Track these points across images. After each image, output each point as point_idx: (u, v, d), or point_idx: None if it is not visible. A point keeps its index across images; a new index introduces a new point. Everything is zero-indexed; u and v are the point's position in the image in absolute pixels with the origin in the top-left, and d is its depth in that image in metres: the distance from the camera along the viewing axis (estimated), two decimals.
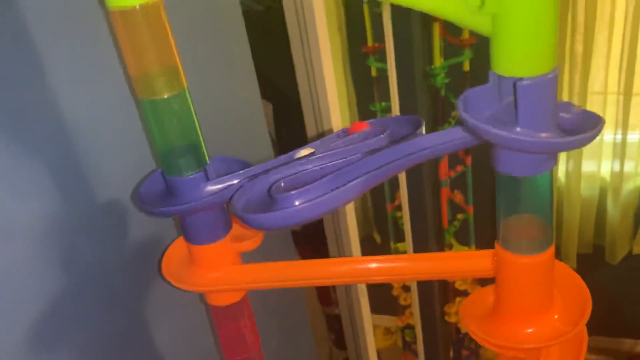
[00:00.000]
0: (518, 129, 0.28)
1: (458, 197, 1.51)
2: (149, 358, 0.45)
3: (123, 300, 0.42)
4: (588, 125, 0.29)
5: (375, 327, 1.40)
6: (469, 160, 1.44)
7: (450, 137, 0.33)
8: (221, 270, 0.38)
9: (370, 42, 1.29)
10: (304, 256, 1.36)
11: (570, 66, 1.32)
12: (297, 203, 0.30)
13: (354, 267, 0.37)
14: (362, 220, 1.71)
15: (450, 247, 1.56)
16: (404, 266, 0.36)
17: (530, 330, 0.34)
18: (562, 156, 1.43)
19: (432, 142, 0.33)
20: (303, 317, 0.84)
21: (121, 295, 0.42)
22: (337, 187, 0.31)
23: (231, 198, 0.33)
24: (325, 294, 1.49)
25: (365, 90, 1.36)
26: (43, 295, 0.35)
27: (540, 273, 0.34)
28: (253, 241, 0.38)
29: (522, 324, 0.34)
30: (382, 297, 1.54)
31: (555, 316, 0.34)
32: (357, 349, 1.32)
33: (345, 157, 0.34)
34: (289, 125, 1.13)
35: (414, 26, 1.25)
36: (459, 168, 1.46)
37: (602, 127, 0.29)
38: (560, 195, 1.48)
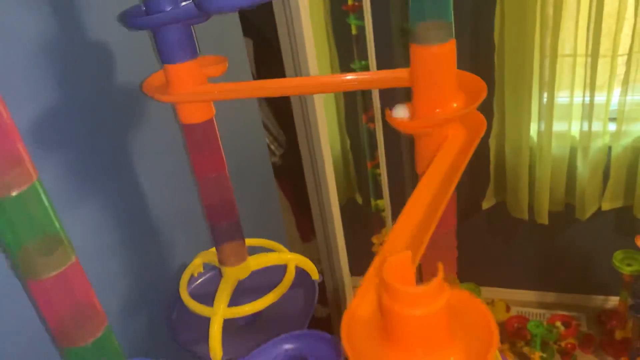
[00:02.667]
0: None
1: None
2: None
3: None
4: None
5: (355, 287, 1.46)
6: None
7: None
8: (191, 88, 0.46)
9: (350, 1, 1.33)
10: (285, 190, 1.40)
11: (540, 28, 1.38)
12: None
13: (298, 84, 0.49)
14: (345, 184, 1.77)
15: None
16: (334, 81, 0.44)
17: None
18: (534, 117, 1.49)
19: None
20: None
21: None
22: None
23: None
24: (306, 230, 1.52)
25: (346, 49, 1.41)
26: None
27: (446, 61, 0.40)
28: (218, 67, 0.45)
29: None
30: (364, 258, 1.60)
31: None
32: (337, 302, 1.39)
33: None
34: (269, 63, 1.18)
35: None
36: None
37: None
38: (533, 154, 1.55)
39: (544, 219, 1.59)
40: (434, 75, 0.41)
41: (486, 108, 1.55)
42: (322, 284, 0.61)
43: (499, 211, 1.70)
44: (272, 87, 0.48)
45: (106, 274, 0.52)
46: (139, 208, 0.57)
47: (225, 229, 0.55)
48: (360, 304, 0.30)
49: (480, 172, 1.67)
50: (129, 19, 0.42)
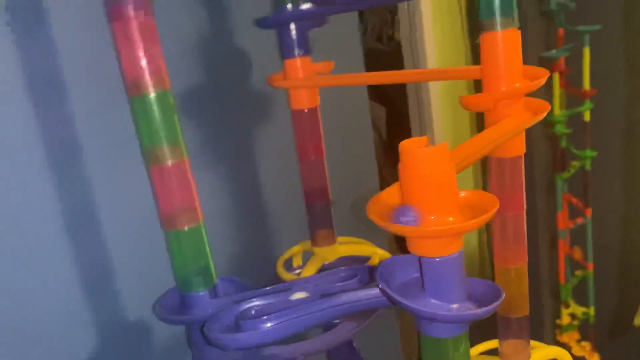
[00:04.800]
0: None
1: (577, 252, 1.49)
2: None
3: None
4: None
5: None
6: (589, 212, 1.44)
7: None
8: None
9: None
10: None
11: None
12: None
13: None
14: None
15: (567, 305, 1.51)
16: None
17: None
18: None
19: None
20: None
21: None
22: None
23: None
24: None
25: None
26: None
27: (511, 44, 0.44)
28: (326, 64, 0.58)
29: None
30: None
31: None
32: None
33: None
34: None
35: None
36: (579, 220, 1.46)
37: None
38: None
39: None
40: (500, 57, 0.46)
41: None
42: None
43: None
44: (371, 76, 0.58)
45: (217, 235, 0.63)
46: (254, 185, 0.68)
47: (319, 212, 0.63)
48: (388, 193, 0.36)
49: (632, 283, 1.53)
50: (265, 20, 0.56)
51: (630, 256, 1.54)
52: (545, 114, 0.48)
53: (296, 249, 0.68)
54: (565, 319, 1.48)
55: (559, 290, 1.50)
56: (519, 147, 0.50)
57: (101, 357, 0.51)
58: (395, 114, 1.31)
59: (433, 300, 0.35)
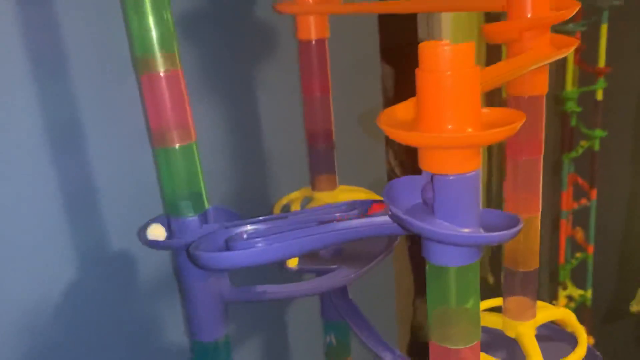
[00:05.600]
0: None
1: (578, 234, 1.46)
2: None
3: None
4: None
5: None
6: (594, 194, 1.41)
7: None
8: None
9: None
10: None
11: None
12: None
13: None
14: None
15: (565, 286, 1.49)
16: None
17: None
18: None
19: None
20: None
21: None
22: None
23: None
24: None
25: None
26: None
27: None
28: None
29: None
30: None
31: None
32: None
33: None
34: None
35: None
36: (583, 201, 1.43)
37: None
38: None
39: None
40: None
41: None
42: None
43: None
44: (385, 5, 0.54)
45: (216, 165, 0.59)
46: (253, 123, 0.64)
47: (321, 155, 0.59)
48: (403, 108, 0.32)
49: (631, 268, 1.51)
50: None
51: (632, 241, 1.51)
52: (572, 49, 0.45)
53: (295, 195, 0.65)
54: (562, 301, 1.46)
55: (557, 271, 1.47)
56: (540, 86, 0.46)
57: (83, 288, 0.48)
58: (404, 74, 1.27)
59: (444, 222, 0.31)
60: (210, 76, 0.59)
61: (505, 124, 0.30)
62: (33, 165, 0.45)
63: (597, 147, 1.38)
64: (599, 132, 1.36)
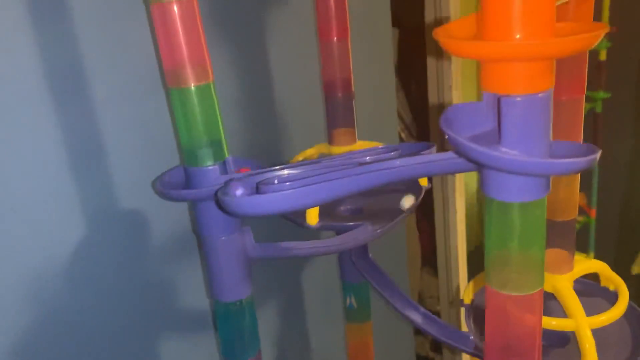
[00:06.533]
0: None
1: (581, 198, 1.44)
2: None
3: None
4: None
5: None
6: None
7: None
8: None
9: None
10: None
11: None
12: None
13: None
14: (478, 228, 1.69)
15: None
16: None
17: None
18: None
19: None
20: None
21: None
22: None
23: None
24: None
25: None
26: None
27: None
28: None
29: None
30: None
31: None
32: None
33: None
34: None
35: None
36: None
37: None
38: None
39: None
40: None
41: None
42: None
43: None
44: None
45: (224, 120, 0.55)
46: (266, 73, 0.60)
47: (340, 106, 0.56)
48: (461, 24, 0.29)
49: (632, 232, 1.50)
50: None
51: (633, 205, 1.50)
52: None
53: (310, 151, 0.61)
54: None
55: None
56: (586, 15, 0.43)
57: (91, 247, 0.44)
58: (409, 35, 1.23)
59: (511, 151, 0.28)
60: (220, 22, 0.54)
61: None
62: (34, 117, 0.41)
63: (599, 109, 1.35)
64: (602, 94, 1.33)
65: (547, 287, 0.50)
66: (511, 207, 0.29)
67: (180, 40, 0.37)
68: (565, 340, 0.51)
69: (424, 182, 0.58)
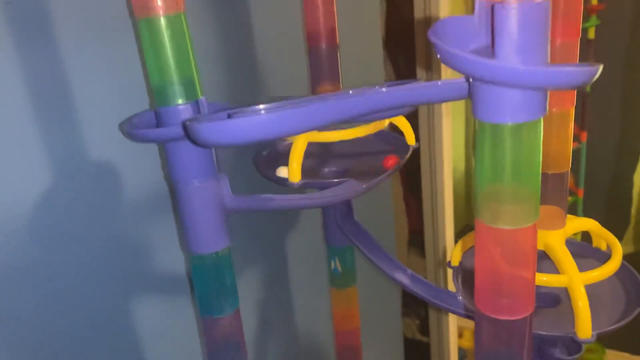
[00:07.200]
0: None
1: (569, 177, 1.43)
2: None
3: None
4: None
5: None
6: (584, 136, 1.38)
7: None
8: None
9: None
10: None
11: None
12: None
13: None
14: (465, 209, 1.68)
15: None
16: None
17: None
18: None
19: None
20: None
21: None
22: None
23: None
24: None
25: None
26: None
27: None
28: None
29: None
30: None
31: None
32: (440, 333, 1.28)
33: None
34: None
35: None
36: (573, 144, 1.39)
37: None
38: None
39: None
40: None
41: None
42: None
43: (638, 260, 1.48)
44: None
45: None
46: (246, 22, 0.57)
47: (324, 58, 0.53)
48: None
49: (619, 211, 1.49)
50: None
51: (620, 184, 1.50)
52: None
53: None
54: None
55: None
56: None
57: (60, 197, 0.41)
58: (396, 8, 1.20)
59: (506, 61, 0.25)
60: None
61: None
62: None
63: (587, 87, 1.34)
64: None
65: (539, 245, 0.49)
66: (505, 129, 0.27)
67: None
68: (556, 301, 0.49)
69: (411, 140, 0.56)
